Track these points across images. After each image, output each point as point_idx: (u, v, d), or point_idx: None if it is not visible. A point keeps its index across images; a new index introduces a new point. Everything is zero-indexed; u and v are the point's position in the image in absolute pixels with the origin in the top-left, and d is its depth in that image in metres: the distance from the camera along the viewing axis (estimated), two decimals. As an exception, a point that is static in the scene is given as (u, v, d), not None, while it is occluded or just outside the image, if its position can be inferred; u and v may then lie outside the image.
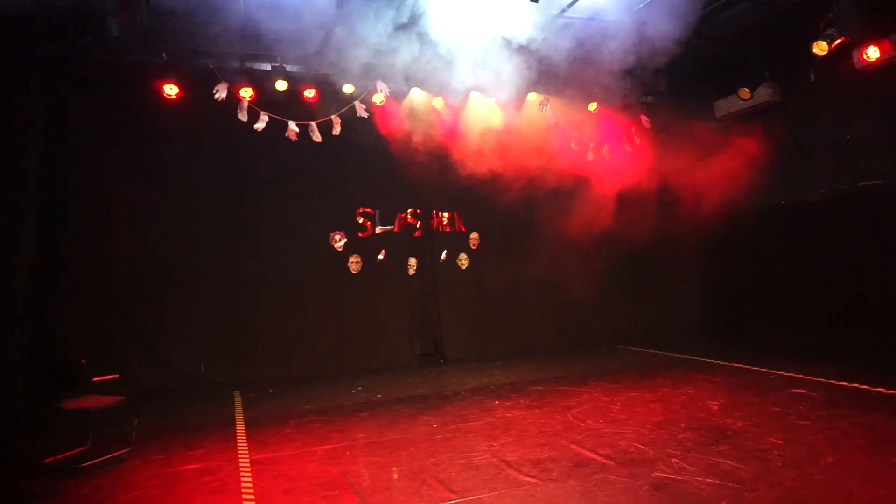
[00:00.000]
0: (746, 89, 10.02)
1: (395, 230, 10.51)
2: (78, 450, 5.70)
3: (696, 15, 8.27)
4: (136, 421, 6.05)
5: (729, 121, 10.94)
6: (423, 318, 10.75)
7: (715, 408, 6.45)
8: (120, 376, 6.28)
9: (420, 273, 10.71)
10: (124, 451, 5.76)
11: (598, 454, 5.19)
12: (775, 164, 10.08)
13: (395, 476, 4.96)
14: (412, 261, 10.65)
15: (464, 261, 10.96)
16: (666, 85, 9.76)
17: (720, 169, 10.41)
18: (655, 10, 8.37)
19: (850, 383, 7.04)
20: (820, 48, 8.25)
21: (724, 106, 10.93)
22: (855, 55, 8.41)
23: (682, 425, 5.87)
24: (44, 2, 6.24)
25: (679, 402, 6.81)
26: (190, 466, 5.42)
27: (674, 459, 4.94)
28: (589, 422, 6.21)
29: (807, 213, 10.41)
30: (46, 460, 5.63)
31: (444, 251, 10.83)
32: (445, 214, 10.89)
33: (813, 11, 8.29)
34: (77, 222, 8.46)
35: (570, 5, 8.20)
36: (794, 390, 6.96)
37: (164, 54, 8.49)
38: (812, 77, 9.54)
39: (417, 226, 10.70)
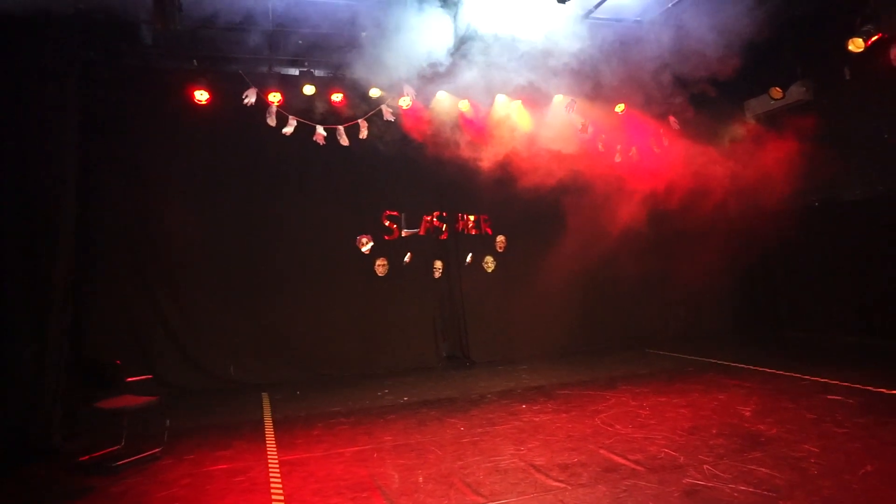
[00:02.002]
0: (778, 88, 9.84)
1: (421, 233, 10.54)
2: (112, 449, 5.82)
3: (725, 13, 8.14)
4: (168, 421, 6.15)
5: (761, 120, 10.74)
6: (449, 320, 10.75)
7: (747, 413, 6.32)
8: (153, 377, 6.39)
9: (446, 276, 10.72)
10: (157, 450, 5.87)
11: (628, 459, 5.12)
12: (809, 164, 9.87)
13: (421, 479, 4.95)
14: (438, 263, 10.67)
15: (490, 263, 10.93)
16: (695, 85, 9.59)
17: (752, 170, 10.24)
18: (683, 9, 8.29)
19: (889, 390, 6.84)
20: (856, 45, 8.07)
21: (756, 105, 10.75)
22: (892, 51, 8.19)
23: (714, 431, 5.77)
24: (80, 8, 6.39)
25: (710, 407, 6.69)
26: (220, 466, 5.49)
27: (705, 466, 4.85)
28: (617, 426, 6.14)
29: (842, 213, 10.17)
30: (82, 458, 5.77)
31: (470, 254, 10.83)
32: (471, 217, 10.88)
33: (848, 7, 8.10)
34: (110, 224, 8.67)
35: (596, 6, 8.14)
36: (829, 396, 6.79)
37: (195, 61, 8.64)
38: (847, 75, 9.31)
39: (443, 228, 10.72)
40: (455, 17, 7.63)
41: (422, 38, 7.68)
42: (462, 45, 7.92)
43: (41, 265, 6.50)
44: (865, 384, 7.14)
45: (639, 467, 4.92)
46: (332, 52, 8.57)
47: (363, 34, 8.03)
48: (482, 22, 7.67)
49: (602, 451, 5.37)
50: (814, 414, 6.13)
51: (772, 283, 11.73)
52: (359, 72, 8.32)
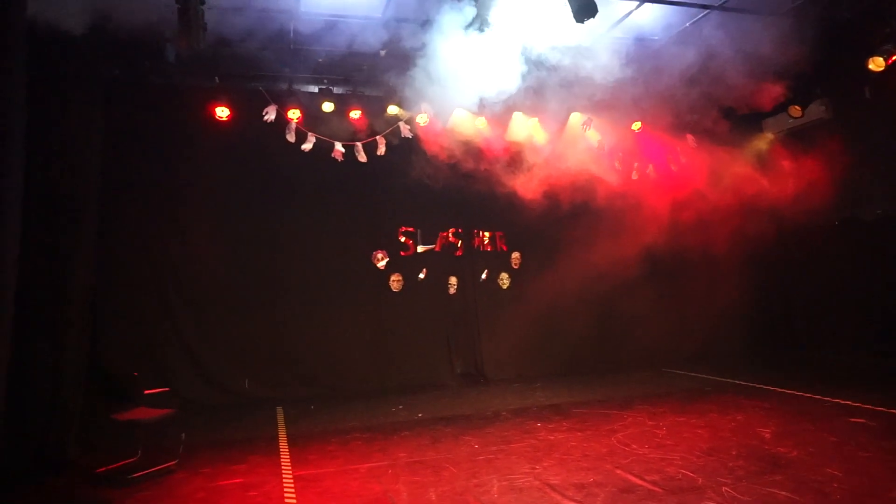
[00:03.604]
0: (797, 107, 9.79)
1: (437, 249, 10.56)
2: (128, 461, 5.86)
3: (743, 33, 8.15)
4: (183, 434, 6.18)
5: (779, 139, 10.69)
6: (463, 337, 10.70)
7: (767, 435, 6.22)
8: (169, 390, 6.43)
9: (461, 292, 10.71)
10: (172, 463, 5.88)
11: (645, 480, 5.05)
12: (829, 182, 9.78)
13: (435, 497, 4.92)
14: (453, 280, 10.66)
15: (505, 280, 10.92)
16: (714, 103, 9.56)
17: (770, 188, 10.17)
18: (701, 29, 8.31)
19: (913, 413, 6.71)
20: (876, 64, 8.05)
21: (774, 124, 10.70)
22: (914, 71, 8.15)
23: (733, 453, 5.68)
24: (106, 27, 6.54)
25: (728, 428, 6.59)
26: (235, 480, 5.49)
27: (724, 488, 4.77)
28: (634, 446, 6.06)
29: (863, 232, 10.05)
30: (98, 470, 5.80)
31: (485, 270, 10.82)
32: (487, 234, 10.90)
33: (868, 27, 8.07)
34: (130, 238, 8.79)
35: (614, 25, 8.19)
36: (851, 419, 6.66)
37: (216, 78, 8.79)
38: (868, 93, 9.25)
39: (459, 245, 10.73)
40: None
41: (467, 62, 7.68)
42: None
43: (61, 278, 6.58)
44: (889, 406, 7.00)
45: (656, 488, 4.86)
46: (350, 69, 8.67)
47: (381, 53, 8.13)
48: (505, 39, 7.71)
49: (619, 472, 5.30)
50: (835, 436, 6.02)
51: (790, 303, 11.57)
52: (376, 88, 8.38)
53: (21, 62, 5.79)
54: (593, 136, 10.17)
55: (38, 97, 6.31)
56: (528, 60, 8.00)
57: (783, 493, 4.61)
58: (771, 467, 5.21)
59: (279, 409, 8.55)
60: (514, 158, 9.88)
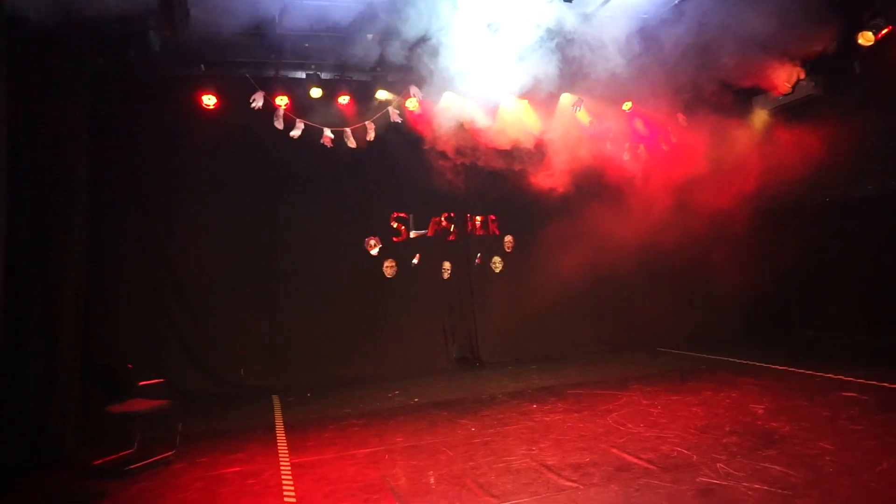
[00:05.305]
0: (788, 84, 9.76)
1: (430, 234, 10.53)
2: (124, 453, 5.86)
3: (733, 8, 8.08)
4: (180, 425, 6.17)
5: (770, 116, 10.67)
6: (458, 321, 10.72)
7: (760, 411, 6.27)
8: (164, 381, 6.42)
9: (455, 277, 10.70)
10: (169, 454, 5.89)
11: (641, 458, 5.09)
12: (820, 159, 9.77)
13: (432, 480, 4.94)
14: (446, 265, 10.65)
15: (498, 264, 10.91)
16: (704, 81, 9.51)
17: (762, 166, 10.17)
18: (691, 6, 8.24)
19: (904, 386, 6.78)
20: (866, 38, 8.02)
21: (764, 101, 10.67)
22: (903, 45, 8.13)
23: (727, 429, 5.73)
24: (91, 17, 6.43)
25: (723, 405, 6.64)
26: (233, 469, 5.50)
27: (719, 464, 4.82)
28: (629, 426, 6.11)
29: (854, 209, 10.08)
30: (95, 463, 5.81)
31: (478, 254, 10.81)
32: (479, 218, 10.88)
33: (858, 1, 8.03)
34: (120, 230, 8.72)
35: (603, 3, 8.11)
36: (843, 393, 6.73)
37: (202, 66, 8.68)
38: (857, 69, 9.22)
39: (451, 229, 10.71)
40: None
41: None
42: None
43: (53, 271, 6.54)
44: (880, 381, 7.07)
45: (652, 466, 4.90)
46: (338, 54, 8.56)
47: (369, 37, 8.03)
48: (488, 18, 7.63)
49: (614, 451, 5.34)
50: (828, 411, 6.08)
51: (783, 281, 11.63)
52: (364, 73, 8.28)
53: (2, 56, 5.70)
54: (584, 117, 10.11)
55: (22, 90, 6.23)
56: (517, 42, 7.93)
57: (777, 467, 4.66)
58: (765, 443, 5.26)
59: (275, 397, 8.57)
60: (505, 141, 9.81)
